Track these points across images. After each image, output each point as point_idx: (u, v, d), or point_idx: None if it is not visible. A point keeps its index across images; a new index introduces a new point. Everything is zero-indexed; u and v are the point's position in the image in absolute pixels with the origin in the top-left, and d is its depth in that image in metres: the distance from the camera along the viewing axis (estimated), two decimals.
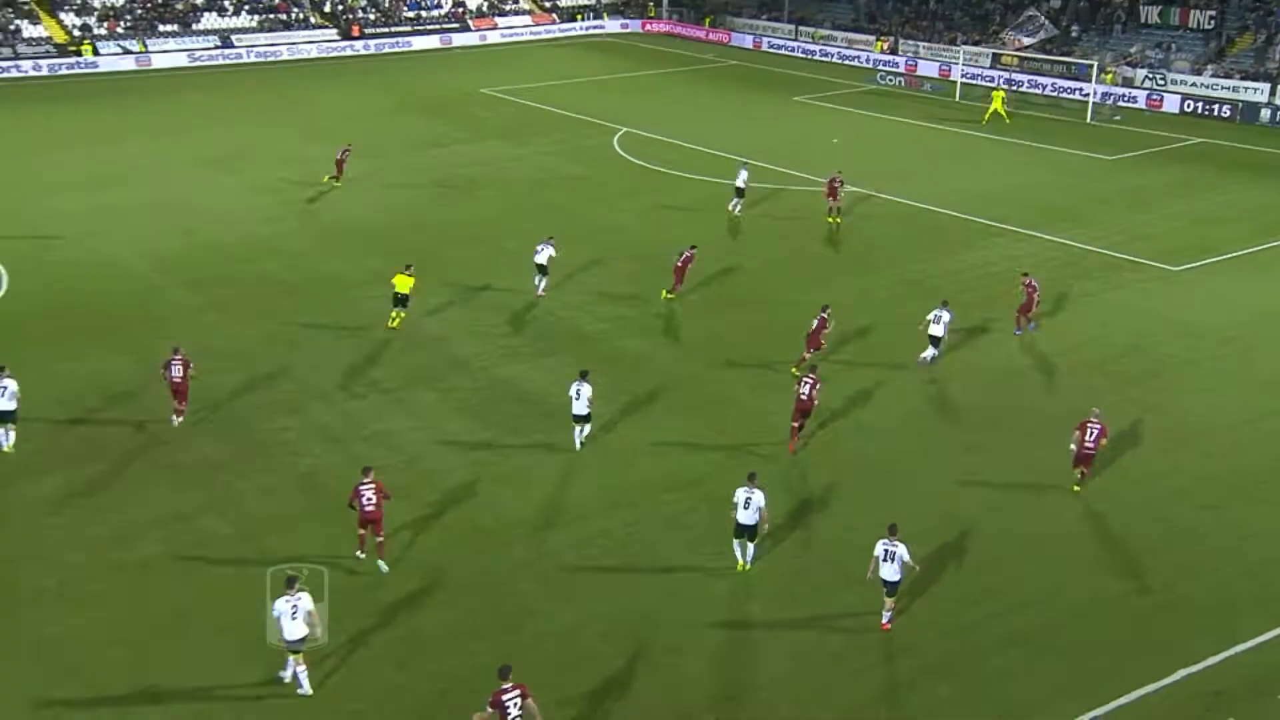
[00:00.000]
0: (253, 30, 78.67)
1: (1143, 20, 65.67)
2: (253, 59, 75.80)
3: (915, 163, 47.58)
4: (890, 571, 17.74)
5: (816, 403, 23.40)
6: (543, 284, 32.09)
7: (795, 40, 78.73)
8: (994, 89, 58.45)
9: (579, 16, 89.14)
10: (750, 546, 19.53)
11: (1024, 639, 17.89)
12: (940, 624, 18.26)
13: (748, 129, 53.19)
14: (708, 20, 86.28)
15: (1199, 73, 59.62)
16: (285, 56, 76.63)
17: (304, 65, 74.91)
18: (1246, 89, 57.02)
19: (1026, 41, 62.85)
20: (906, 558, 17.69)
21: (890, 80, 67.11)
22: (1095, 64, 58.59)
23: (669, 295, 31.78)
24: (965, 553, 20.07)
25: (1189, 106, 56.92)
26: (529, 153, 49.95)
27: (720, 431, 24.50)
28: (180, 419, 24.47)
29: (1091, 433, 21.73)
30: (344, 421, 24.99)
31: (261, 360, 27.97)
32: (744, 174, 40.18)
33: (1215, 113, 55.98)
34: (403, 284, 30.02)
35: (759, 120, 56.14)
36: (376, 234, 38.48)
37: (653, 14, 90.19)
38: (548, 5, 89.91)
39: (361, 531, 19.51)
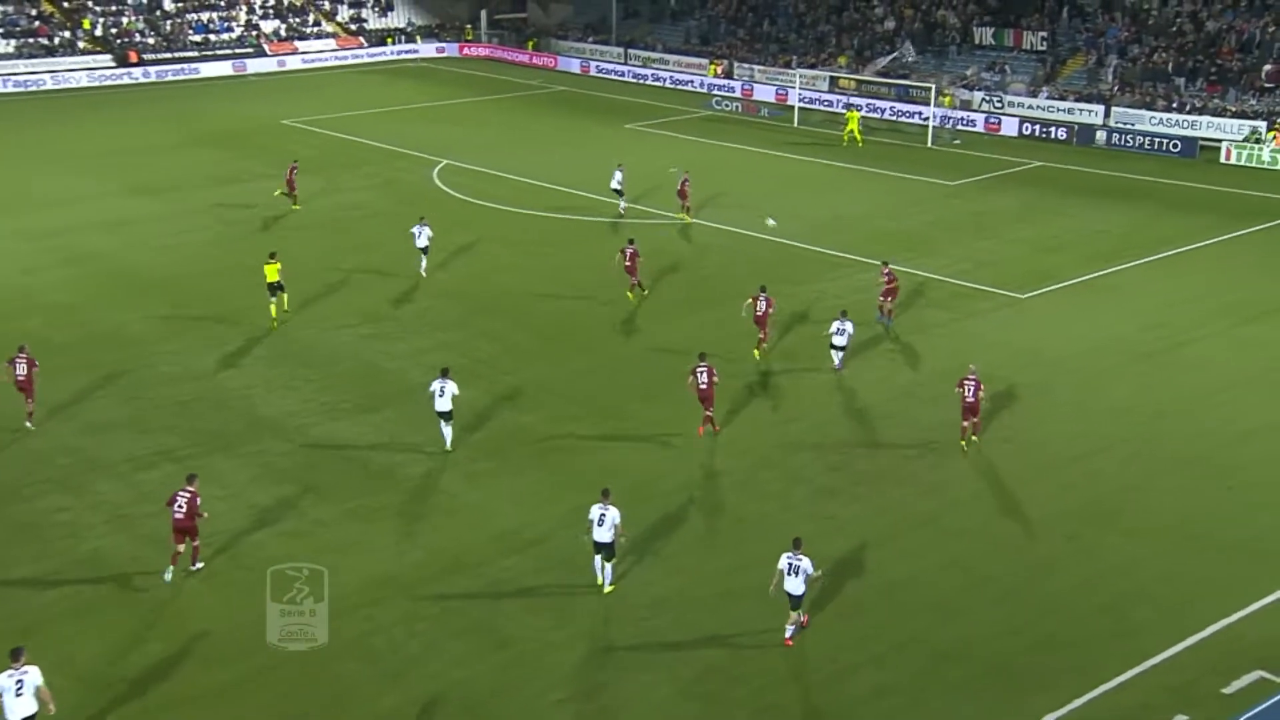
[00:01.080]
0: (9, 57, 75.45)
1: (977, 41, 69.73)
2: (10, 89, 72.68)
3: (755, 191, 48.92)
4: (795, 585, 18.90)
5: (717, 382, 26.23)
6: (423, 264, 36.56)
7: (625, 64, 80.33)
8: (849, 110, 60.84)
9: (390, 40, 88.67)
10: (608, 566, 20.61)
11: (893, 689, 18.35)
12: (806, 676, 18.61)
13: (578, 158, 53.79)
14: (531, 44, 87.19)
15: (1034, 95, 63.58)
16: (49, 86, 73.80)
17: (72, 95, 72.11)
18: (1081, 111, 61.10)
19: (910, 59, 66.80)
20: (811, 570, 18.91)
21: (726, 105, 69.09)
22: (933, 87, 61.74)
23: (643, 291, 34.90)
24: (827, 600, 20.52)
25: (1027, 129, 60.54)
26: (339, 188, 49.19)
27: (561, 487, 24.45)
28: (29, 421, 26.57)
29: (969, 388, 25.52)
30: (132, 496, 23.90)
31: (31, 430, 26.57)
32: (619, 175, 43.70)
33: (1052, 135, 59.69)
34: (272, 273, 32.49)
35: (589, 149, 56.79)
36: (163, 281, 37.16)
37: (470, 37, 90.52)
38: (354, 28, 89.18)
39: (178, 549, 20.40)
